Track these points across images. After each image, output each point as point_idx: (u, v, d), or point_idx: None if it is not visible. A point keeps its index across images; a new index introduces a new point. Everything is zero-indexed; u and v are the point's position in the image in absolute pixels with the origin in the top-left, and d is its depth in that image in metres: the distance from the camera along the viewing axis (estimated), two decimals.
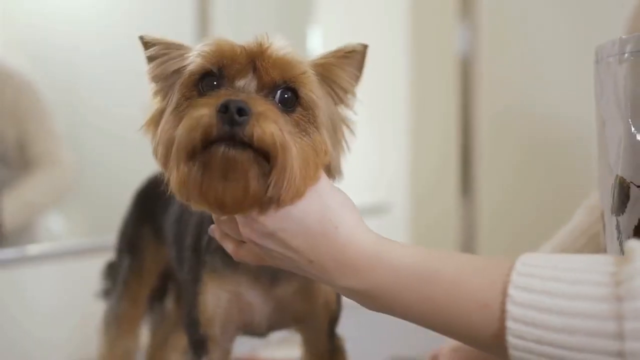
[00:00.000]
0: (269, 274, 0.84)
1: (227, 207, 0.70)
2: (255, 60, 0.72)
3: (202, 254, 0.85)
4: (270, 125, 0.68)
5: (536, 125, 2.07)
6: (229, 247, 0.77)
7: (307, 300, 0.87)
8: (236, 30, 1.80)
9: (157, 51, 0.80)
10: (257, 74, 0.72)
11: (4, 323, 1.38)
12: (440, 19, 2.12)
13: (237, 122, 0.67)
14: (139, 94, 1.68)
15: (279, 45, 0.73)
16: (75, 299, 1.47)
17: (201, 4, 1.74)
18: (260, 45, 0.72)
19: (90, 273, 1.47)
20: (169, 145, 0.71)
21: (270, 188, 0.68)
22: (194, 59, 0.74)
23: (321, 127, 0.73)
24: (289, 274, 0.83)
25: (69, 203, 1.66)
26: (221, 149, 0.67)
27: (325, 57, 0.77)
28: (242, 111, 0.67)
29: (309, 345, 0.93)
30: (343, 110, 0.78)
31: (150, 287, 1.12)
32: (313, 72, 0.75)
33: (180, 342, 1.21)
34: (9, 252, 1.43)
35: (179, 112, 0.73)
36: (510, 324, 0.62)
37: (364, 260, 0.69)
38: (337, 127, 0.77)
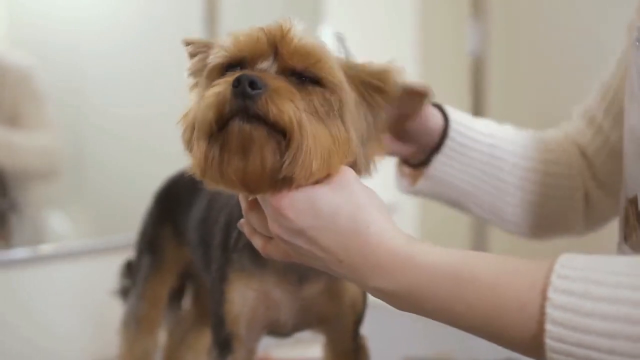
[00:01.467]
0: (296, 274, 0.84)
1: (245, 184, 0.69)
2: (276, 44, 0.71)
3: (230, 251, 0.84)
4: (285, 101, 0.67)
5: (548, 125, 2.07)
6: (257, 242, 0.76)
7: (334, 300, 0.86)
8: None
9: (196, 48, 0.80)
10: (277, 58, 0.71)
11: (11, 323, 1.38)
12: (451, 19, 2.11)
13: (249, 95, 0.66)
14: (143, 94, 1.69)
15: (301, 29, 0.72)
16: (83, 299, 1.47)
17: (208, 4, 1.73)
18: (282, 29, 0.71)
19: (95, 273, 1.47)
20: (191, 128, 0.71)
21: (285, 165, 0.67)
22: (217, 51, 0.74)
23: (345, 116, 0.72)
24: (316, 273, 0.83)
25: (72, 203, 1.66)
26: (236, 125, 0.66)
27: (374, 74, 0.76)
28: (254, 84, 0.66)
29: (333, 344, 0.92)
30: (378, 123, 0.77)
31: (170, 288, 1.11)
32: (338, 64, 0.73)
33: (197, 342, 1.21)
34: (16, 253, 1.44)
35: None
36: (549, 327, 0.62)
37: (396, 261, 0.68)
38: (371, 128, 0.76)
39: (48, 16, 1.56)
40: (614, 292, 0.61)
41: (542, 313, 0.62)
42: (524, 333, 0.63)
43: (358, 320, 0.89)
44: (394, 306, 0.71)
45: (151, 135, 1.70)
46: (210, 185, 0.72)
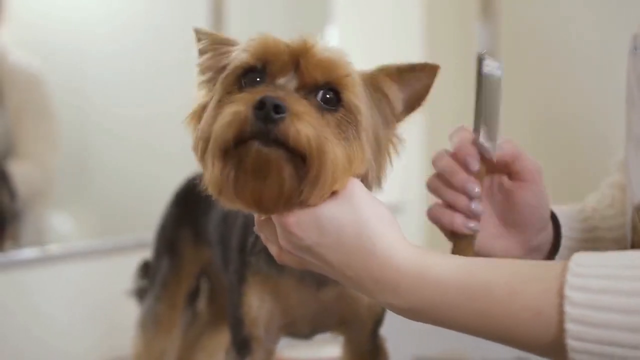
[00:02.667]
0: (314, 278, 0.83)
1: (261, 206, 0.69)
2: (298, 58, 0.70)
3: (247, 254, 0.85)
4: (306, 127, 0.66)
5: (556, 125, 2.07)
6: (273, 250, 0.75)
7: (351, 303, 0.86)
8: (251, 32, 1.79)
9: (208, 44, 0.77)
10: (299, 72, 0.70)
11: (19, 323, 1.39)
12: (459, 19, 2.11)
13: (273, 119, 0.64)
14: (146, 95, 1.69)
15: (324, 45, 0.71)
16: (89, 299, 1.48)
17: (214, 5, 1.73)
18: (305, 43, 0.70)
19: (103, 274, 1.48)
20: (206, 141, 0.69)
21: (305, 192, 0.67)
22: (238, 53, 0.72)
23: (361, 134, 0.71)
24: None
25: (75, 204, 1.66)
26: (255, 147, 0.65)
27: (387, 70, 0.75)
28: (278, 108, 0.65)
29: (351, 345, 0.93)
30: (391, 128, 0.75)
31: (188, 289, 1.12)
32: (360, 79, 0.72)
33: (210, 342, 1.22)
34: (24, 253, 1.44)
35: (219, 106, 0.71)
36: (569, 326, 0.61)
37: (404, 279, 0.67)
38: (381, 141, 0.74)
39: (51, 17, 1.56)
40: (632, 285, 0.60)
41: (560, 313, 0.62)
42: (545, 337, 0.63)
43: (377, 322, 0.90)
44: (407, 318, 0.70)
45: (154, 136, 1.70)
46: (225, 204, 0.71)
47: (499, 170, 0.84)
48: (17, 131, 1.50)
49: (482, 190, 0.81)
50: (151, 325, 1.10)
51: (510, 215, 0.85)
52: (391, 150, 0.76)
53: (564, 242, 0.89)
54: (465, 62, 2.14)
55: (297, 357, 1.37)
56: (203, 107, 0.74)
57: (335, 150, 0.68)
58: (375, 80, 0.74)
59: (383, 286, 0.68)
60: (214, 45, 0.77)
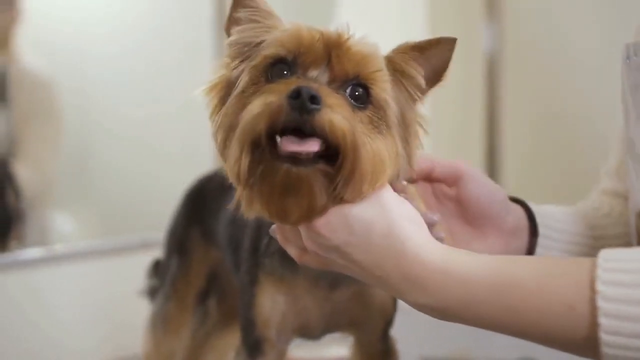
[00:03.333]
0: (328, 279, 0.83)
1: (287, 220, 0.68)
2: (331, 50, 0.68)
3: (261, 256, 0.84)
4: (341, 120, 0.64)
5: (559, 125, 2.07)
6: (291, 251, 0.74)
7: (364, 304, 0.86)
8: None
9: (245, 14, 0.73)
10: (330, 65, 0.68)
11: (22, 324, 1.39)
12: (465, 18, 2.11)
13: (308, 109, 0.63)
14: (148, 96, 1.69)
15: (359, 38, 0.69)
16: (94, 299, 1.48)
17: (218, 5, 1.72)
18: (340, 36, 0.68)
19: (101, 274, 1.47)
20: (229, 131, 0.68)
21: (338, 188, 0.65)
22: (270, 42, 0.70)
23: (392, 128, 0.70)
24: (348, 279, 0.80)
25: (77, 204, 1.66)
26: (284, 167, 0.64)
27: (403, 49, 0.73)
28: (314, 99, 0.63)
29: (362, 346, 0.92)
30: (416, 108, 0.74)
31: (198, 289, 1.12)
32: (387, 68, 0.71)
33: (219, 343, 1.21)
34: (29, 253, 1.44)
35: (245, 96, 0.69)
36: (602, 321, 0.61)
37: (433, 277, 0.67)
38: (410, 126, 0.73)
39: (52, 17, 1.56)
40: None
41: (593, 308, 0.62)
42: (577, 333, 0.63)
43: (388, 322, 0.89)
44: (434, 317, 0.70)
45: (156, 136, 1.70)
46: (247, 212, 0.69)
47: (432, 182, 0.86)
48: (21, 133, 1.51)
49: (431, 206, 0.84)
50: (160, 324, 1.09)
51: (469, 214, 0.85)
52: (419, 130, 0.74)
53: (565, 238, 0.89)
54: (474, 62, 2.15)
55: (302, 357, 1.37)
56: (226, 81, 0.72)
57: (372, 146, 0.67)
58: (393, 61, 0.72)
59: (412, 285, 0.68)
60: (253, 16, 0.73)
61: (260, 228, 0.85)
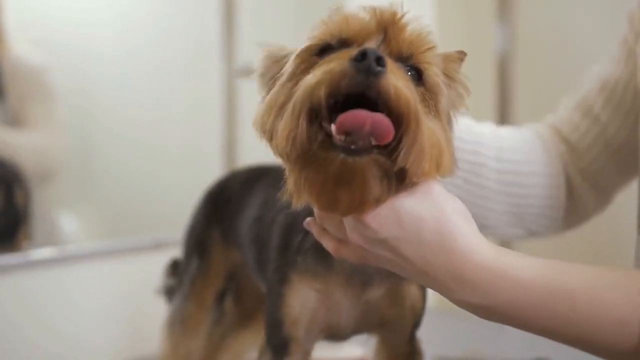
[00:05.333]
0: (361, 277, 0.81)
1: (339, 210, 0.67)
2: (386, 27, 0.67)
3: (292, 254, 0.82)
4: (405, 88, 0.62)
5: None
6: (328, 244, 0.73)
7: (395, 303, 0.85)
8: (261, 33, 1.78)
9: (270, 63, 0.74)
10: (386, 41, 0.67)
11: (34, 325, 1.38)
12: (476, 18, 2.10)
13: (375, 71, 0.60)
14: (151, 96, 1.69)
15: (413, 16, 0.68)
16: (100, 300, 1.47)
17: (225, 5, 1.71)
18: (394, 13, 0.67)
19: (103, 274, 1.47)
20: (278, 110, 0.65)
21: (400, 157, 0.63)
22: (313, 33, 0.69)
23: (442, 115, 0.69)
24: (381, 277, 0.81)
25: (80, 204, 1.66)
26: (340, 157, 0.62)
27: (451, 56, 0.73)
28: (380, 60, 0.60)
29: (388, 347, 0.91)
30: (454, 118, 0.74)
31: (217, 289, 1.11)
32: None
33: (236, 343, 1.21)
34: (36, 253, 1.43)
35: (294, 77, 0.67)
36: None
37: (484, 276, 0.66)
38: (450, 121, 0.72)
39: (55, 18, 1.55)
40: None
41: None
42: (625, 346, 0.63)
43: (416, 323, 0.88)
44: (481, 317, 0.70)
45: (160, 137, 1.70)
46: (297, 200, 0.67)
47: None
48: (20, 118, 1.49)
49: None
50: (179, 325, 1.09)
51: None
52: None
53: None
54: (485, 62, 2.14)
55: (317, 357, 1.36)
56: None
57: (430, 124, 0.65)
58: (443, 64, 0.72)
59: (462, 283, 0.67)
60: (275, 61, 0.74)
61: (292, 226, 0.83)
